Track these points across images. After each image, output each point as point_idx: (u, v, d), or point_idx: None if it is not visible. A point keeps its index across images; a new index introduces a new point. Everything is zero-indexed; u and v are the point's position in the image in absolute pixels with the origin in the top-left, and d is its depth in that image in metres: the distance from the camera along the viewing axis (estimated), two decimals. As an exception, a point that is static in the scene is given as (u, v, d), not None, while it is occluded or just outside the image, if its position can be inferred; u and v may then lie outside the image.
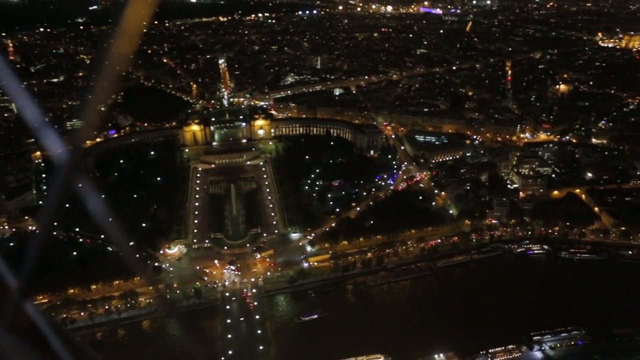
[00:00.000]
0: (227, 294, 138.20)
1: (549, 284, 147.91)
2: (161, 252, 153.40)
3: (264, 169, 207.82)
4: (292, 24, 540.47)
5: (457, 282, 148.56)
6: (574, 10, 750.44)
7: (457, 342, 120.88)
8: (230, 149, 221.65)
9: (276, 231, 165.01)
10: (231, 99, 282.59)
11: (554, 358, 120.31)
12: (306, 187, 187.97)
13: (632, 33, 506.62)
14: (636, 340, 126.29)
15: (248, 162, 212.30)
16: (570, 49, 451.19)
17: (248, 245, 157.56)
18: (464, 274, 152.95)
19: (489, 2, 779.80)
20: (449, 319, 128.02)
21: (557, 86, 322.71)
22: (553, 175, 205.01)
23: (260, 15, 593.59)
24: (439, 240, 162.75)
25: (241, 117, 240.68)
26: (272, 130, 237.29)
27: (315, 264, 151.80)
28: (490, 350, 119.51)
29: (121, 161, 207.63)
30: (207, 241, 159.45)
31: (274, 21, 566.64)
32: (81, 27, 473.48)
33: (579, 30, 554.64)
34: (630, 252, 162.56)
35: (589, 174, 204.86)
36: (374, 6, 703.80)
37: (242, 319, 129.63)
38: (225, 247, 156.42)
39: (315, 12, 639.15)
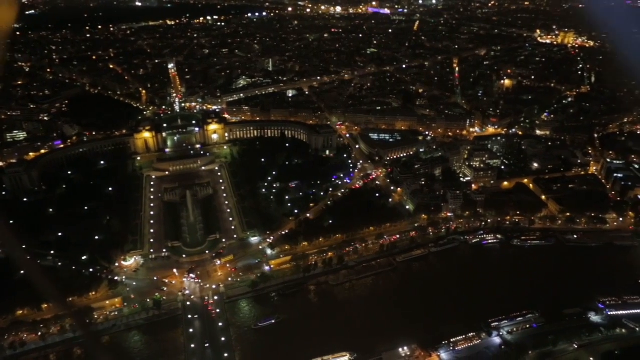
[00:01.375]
0: (189, 303, 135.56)
1: (504, 271, 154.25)
2: (117, 264, 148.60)
3: (219, 173, 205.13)
4: (242, 27, 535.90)
5: (417, 276, 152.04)
6: (514, 9, 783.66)
7: (421, 335, 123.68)
8: (184, 155, 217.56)
9: (235, 236, 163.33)
10: (183, 104, 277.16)
11: (512, 342, 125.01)
12: (263, 190, 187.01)
13: (566, 30, 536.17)
14: (584, 318, 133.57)
15: (203, 168, 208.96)
16: (512, 45, 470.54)
17: (207, 252, 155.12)
18: (423, 267, 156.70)
19: (434, 1, 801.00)
20: (411, 313, 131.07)
21: (502, 81, 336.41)
22: (502, 167, 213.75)
23: (209, 18, 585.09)
24: (398, 236, 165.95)
25: (194, 122, 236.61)
26: (226, 134, 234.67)
27: (277, 266, 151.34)
28: (452, 340, 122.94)
29: (69, 172, 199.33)
30: (164, 250, 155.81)
31: (223, 24, 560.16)
32: (17, 33, 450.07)
33: (519, 28, 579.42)
34: (575, 236, 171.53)
35: (535, 164, 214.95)
36: (323, 7, 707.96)
37: (205, 327, 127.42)
38: (184, 256, 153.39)
39: (264, 14, 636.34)
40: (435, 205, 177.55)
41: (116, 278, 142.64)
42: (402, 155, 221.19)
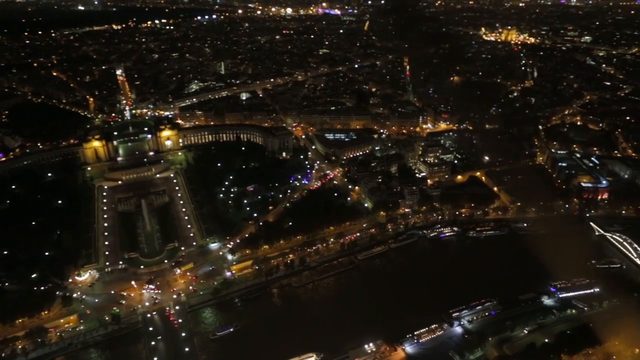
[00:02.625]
0: (149, 315, 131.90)
1: (462, 262, 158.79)
2: (70, 280, 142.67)
3: (175, 180, 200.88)
4: (191, 30, 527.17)
5: (378, 272, 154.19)
6: (459, 8, 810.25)
7: (385, 330, 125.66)
8: (137, 163, 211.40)
9: (194, 243, 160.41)
10: (133, 111, 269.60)
11: (472, 330, 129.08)
12: (221, 195, 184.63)
13: (509, 27, 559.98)
14: (538, 302, 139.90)
15: (158, 175, 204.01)
16: (460, 43, 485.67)
17: (166, 261, 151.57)
18: (385, 264, 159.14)
19: (383, 1, 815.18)
20: (375, 309, 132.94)
21: (451, 78, 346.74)
22: (455, 161, 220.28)
23: (157, 21, 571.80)
24: (358, 234, 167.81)
25: (146, 129, 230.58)
26: (180, 140, 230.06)
27: (238, 271, 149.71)
28: (415, 333, 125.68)
29: (13, 187, 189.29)
30: (121, 262, 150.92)
31: (172, 27, 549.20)
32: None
33: (465, 26, 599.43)
34: (525, 225, 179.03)
35: (486, 157, 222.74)
36: (273, 9, 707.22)
37: (167, 338, 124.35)
38: (142, 266, 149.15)
39: (214, 16, 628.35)
40: (392, 201, 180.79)
41: (71, 294, 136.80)
42: (358, 154, 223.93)
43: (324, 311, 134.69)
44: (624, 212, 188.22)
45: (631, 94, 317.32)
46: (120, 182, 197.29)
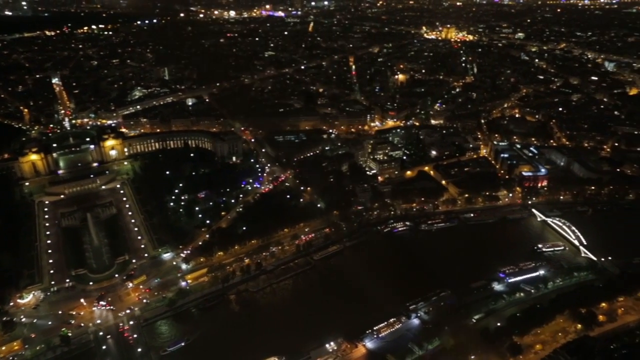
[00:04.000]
0: (101, 333, 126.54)
1: (416, 255, 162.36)
2: (11, 303, 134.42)
3: (122, 191, 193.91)
4: (131, 35, 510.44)
5: (335, 271, 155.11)
6: (400, 8, 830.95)
7: (345, 328, 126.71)
8: (80, 175, 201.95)
9: (146, 255, 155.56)
10: (73, 121, 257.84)
11: (429, 321, 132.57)
12: (171, 204, 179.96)
13: (448, 26, 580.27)
14: (489, 289, 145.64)
15: (103, 187, 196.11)
16: (402, 42, 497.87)
17: (117, 275, 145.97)
18: (341, 262, 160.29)
19: (326, 2, 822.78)
20: (334, 308, 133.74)
21: (396, 76, 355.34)
22: (404, 157, 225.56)
23: (94, 27, 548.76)
24: (312, 235, 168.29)
25: (88, 139, 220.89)
26: (126, 150, 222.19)
27: (194, 280, 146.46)
28: (375, 328, 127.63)
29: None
30: (67, 280, 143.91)
31: (110, 33, 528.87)
32: None
33: (407, 25, 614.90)
34: (472, 215, 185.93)
35: (433, 152, 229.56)
36: (216, 12, 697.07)
37: (122, 355, 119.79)
38: (91, 283, 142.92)
39: (155, 21, 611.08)
40: (345, 200, 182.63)
41: (12, 319, 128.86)
42: (308, 154, 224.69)
43: (283, 314, 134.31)
44: (562, 197, 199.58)
45: (562, 87, 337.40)
46: (62, 196, 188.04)
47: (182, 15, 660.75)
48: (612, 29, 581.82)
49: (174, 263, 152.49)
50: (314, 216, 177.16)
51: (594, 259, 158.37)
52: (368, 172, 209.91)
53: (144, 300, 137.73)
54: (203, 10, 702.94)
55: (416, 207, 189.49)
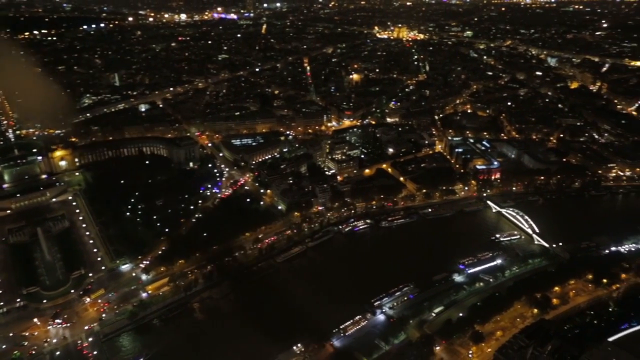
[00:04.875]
0: (58, 353, 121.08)
1: (378, 252, 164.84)
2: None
3: (74, 203, 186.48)
4: (78, 40, 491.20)
5: (299, 272, 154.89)
6: (352, 8, 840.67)
7: (312, 328, 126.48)
8: (28, 188, 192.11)
9: (103, 268, 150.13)
10: (17, 132, 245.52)
11: (394, 316, 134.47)
12: (128, 214, 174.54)
13: (400, 25, 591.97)
14: (450, 280, 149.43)
15: (54, 200, 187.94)
16: (356, 42, 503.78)
17: (72, 291, 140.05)
18: (304, 263, 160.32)
19: (278, 4, 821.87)
20: (299, 309, 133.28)
21: (351, 76, 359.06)
22: (362, 156, 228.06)
23: (36, 32, 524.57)
24: (275, 237, 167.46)
25: (34, 150, 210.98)
26: (76, 160, 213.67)
27: (155, 291, 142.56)
28: (341, 327, 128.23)
29: None
30: (18, 300, 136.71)
31: (54, 38, 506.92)
32: None
33: (359, 25, 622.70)
34: (430, 210, 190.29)
35: (390, 150, 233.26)
36: (166, 15, 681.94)
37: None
38: (45, 301, 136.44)
39: (102, 25, 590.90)
40: (305, 201, 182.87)
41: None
42: (267, 157, 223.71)
43: (248, 319, 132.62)
44: (514, 188, 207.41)
45: (510, 82, 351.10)
46: (9, 211, 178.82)
47: (130, 19, 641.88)
48: (552, 27, 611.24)
49: (134, 274, 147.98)
50: (275, 219, 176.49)
51: (546, 245, 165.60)
52: (327, 172, 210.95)
53: (103, 315, 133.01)
54: (153, 14, 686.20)
55: (376, 204, 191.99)
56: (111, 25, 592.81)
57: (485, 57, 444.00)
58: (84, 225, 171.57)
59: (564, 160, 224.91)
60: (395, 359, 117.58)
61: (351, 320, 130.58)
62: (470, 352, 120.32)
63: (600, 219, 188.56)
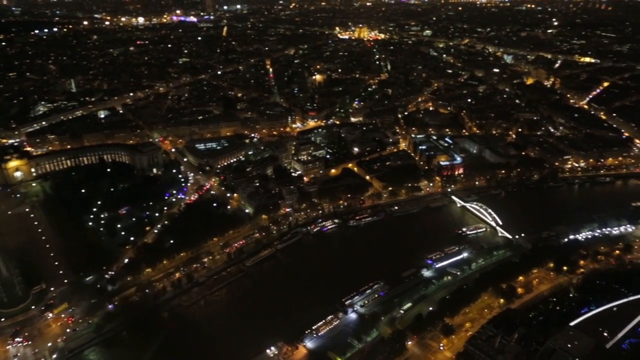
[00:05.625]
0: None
1: (347, 251, 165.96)
2: None
3: (32, 215, 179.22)
4: (29, 46, 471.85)
5: (269, 275, 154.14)
6: (313, 9, 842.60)
7: (284, 331, 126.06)
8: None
9: (65, 281, 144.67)
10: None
11: (366, 314, 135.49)
12: (90, 224, 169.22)
13: (360, 25, 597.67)
14: (419, 276, 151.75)
15: (10, 212, 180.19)
16: (317, 43, 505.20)
17: (33, 307, 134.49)
18: (274, 266, 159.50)
19: (239, 6, 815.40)
20: (271, 312, 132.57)
21: (314, 77, 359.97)
22: (328, 156, 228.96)
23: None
24: (243, 241, 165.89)
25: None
26: (33, 170, 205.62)
27: (122, 302, 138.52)
28: (313, 327, 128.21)
29: None
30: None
31: (4, 44, 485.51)
32: None
33: (320, 26, 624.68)
34: (397, 207, 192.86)
35: (356, 149, 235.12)
36: (123, 19, 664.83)
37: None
38: (3, 319, 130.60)
39: (55, 29, 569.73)
40: (272, 203, 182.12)
41: None
42: (232, 160, 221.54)
43: (219, 325, 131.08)
44: (477, 182, 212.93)
45: (469, 79, 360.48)
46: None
47: (85, 23, 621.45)
48: (507, 25, 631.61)
49: (99, 285, 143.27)
50: (243, 222, 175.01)
51: (509, 237, 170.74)
52: (293, 174, 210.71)
53: (68, 330, 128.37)
54: (109, 18, 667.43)
55: (343, 204, 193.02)
56: (65, 30, 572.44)
57: (444, 55, 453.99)
58: (43, 238, 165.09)
59: (523, 153, 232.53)
60: (369, 356, 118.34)
61: (323, 321, 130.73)
62: (441, 345, 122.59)
63: (558, 209, 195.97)
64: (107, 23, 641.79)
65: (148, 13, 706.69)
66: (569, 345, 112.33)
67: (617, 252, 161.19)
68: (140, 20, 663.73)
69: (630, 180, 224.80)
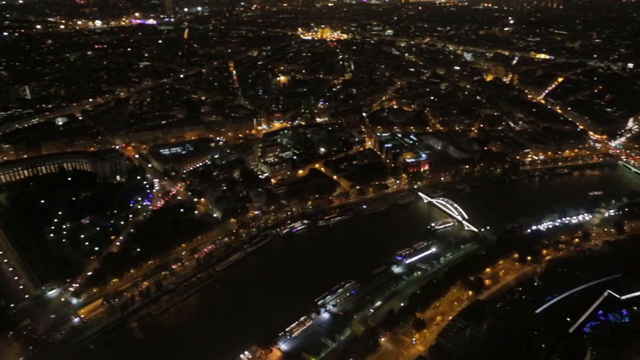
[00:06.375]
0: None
1: (317, 252, 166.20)
2: None
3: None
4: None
5: (240, 279, 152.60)
6: (275, 10, 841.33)
7: (258, 334, 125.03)
8: None
9: (27, 296, 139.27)
10: None
11: (339, 313, 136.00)
12: (51, 235, 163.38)
13: (323, 26, 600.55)
14: (389, 272, 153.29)
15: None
16: (280, 44, 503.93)
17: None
18: (244, 269, 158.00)
19: (199, 8, 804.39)
20: (243, 316, 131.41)
21: (278, 78, 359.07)
22: (294, 157, 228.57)
23: None
24: (212, 246, 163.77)
25: None
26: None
27: (88, 314, 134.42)
28: (287, 329, 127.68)
29: None
30: None
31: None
32: None
33: (283, 27, 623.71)
34: (365, 206, 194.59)
35: (322, 149, 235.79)
36: (79, 22, 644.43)
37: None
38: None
39: (6, 34, 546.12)
40: (241, 207, 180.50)
41: None
42: (198, 165, 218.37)
43: (191, 332, 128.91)
44: (442, 178, 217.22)
45: (431, 77, 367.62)
46: None
47: (39, 27, 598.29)
48: (465, 24, 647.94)
49: (63, 299, 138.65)
50: (211, 227, 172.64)
51: (476, 230, 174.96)
52: (260, 176, 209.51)
53: (30, 347, 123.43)
54: (64, 21, 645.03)
55: (312, 204, 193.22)
56: (17, 34, 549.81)
57: (406, 54, 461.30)
58: (0, 252, 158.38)
59: (486, 148, 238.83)
60: (343, 355, 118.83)
61: (296, 322, 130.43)
62: (414, 339, 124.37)
63: (521, 201, 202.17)
64: (62, 27, 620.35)
65: (105, 16, 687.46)
66: (535, 332, 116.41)
67: (577, 240, 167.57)
68: (98, 23, 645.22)
69: (586, 170, 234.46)
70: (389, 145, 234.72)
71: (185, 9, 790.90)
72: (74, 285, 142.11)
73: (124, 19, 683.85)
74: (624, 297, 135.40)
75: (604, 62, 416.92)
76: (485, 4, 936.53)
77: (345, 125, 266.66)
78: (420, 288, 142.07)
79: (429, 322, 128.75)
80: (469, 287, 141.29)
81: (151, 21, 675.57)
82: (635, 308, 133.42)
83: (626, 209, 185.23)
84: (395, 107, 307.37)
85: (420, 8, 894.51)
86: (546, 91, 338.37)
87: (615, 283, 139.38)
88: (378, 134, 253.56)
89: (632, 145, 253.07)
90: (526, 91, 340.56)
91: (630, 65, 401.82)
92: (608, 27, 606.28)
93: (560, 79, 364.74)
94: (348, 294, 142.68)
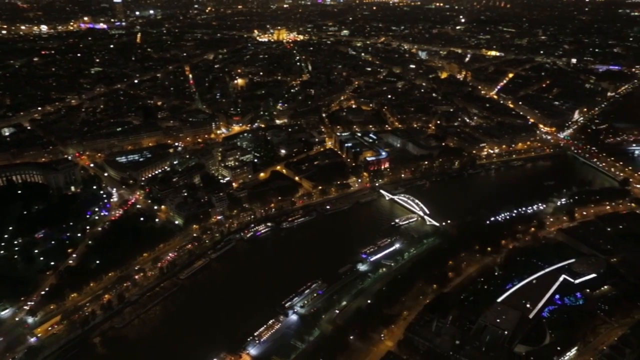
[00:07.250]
0: None
1: (282, 254, 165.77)
2: None
3: None
4: None
5: (205, 286, 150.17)
6: (230, 13, 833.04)
7: (226, 341, 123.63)
8: None
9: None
10: None
11: (307, 314, 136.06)
12: (2, 252, 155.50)
13: (279, 28, 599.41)
14: (355, 271, 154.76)
15: None
16: (237, 46, 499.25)
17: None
18: (209, 276, 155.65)
19: (152, 12, 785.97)
20: (210, 324, 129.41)
21: (236, 81, 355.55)
22: (255, 160, 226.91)
23: None
24: (175, 254, 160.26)
25: None
26: None
27: (46, 333, 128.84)
28: (255, 334, 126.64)
29: None
30: None
31: None
32: None
33: (239, 30, 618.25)
34: (328, 206, 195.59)
35: (283, 151, 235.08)
36: (23, 27, 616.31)
37: None
38: None
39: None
40: (203, 212, 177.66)
41: None
42: (157, 172, 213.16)
43: (157, 344, 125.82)
44: (403, 175, 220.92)
45: (388, 76, 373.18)
46: None
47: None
48: (419, 23, 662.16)
49: (17, 318, 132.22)
50: (173, 234, 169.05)
51: (437, 224, 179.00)
52: (222, 180, 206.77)
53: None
54: (5, 26, 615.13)
55: (275, 207, 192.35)
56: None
57: (363, 54, 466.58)
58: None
59: (443, 144, 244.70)
60: (313, 356, 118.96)
61: (265, 326, 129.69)
62: (382, 335, 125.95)
63: (479, 194, 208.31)
64: (4, 32, 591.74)
65: (52, 20, 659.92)
66: (498, 320, 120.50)
67: (533, 229, 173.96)
68: (44, 28, 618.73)
69: (539, 162, 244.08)
70: (349, 144, 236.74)
71: (137, 13, 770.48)
72: (28, 303, 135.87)
73: (72, 24, 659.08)
74: (577, 281, 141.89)
75: (550, 57, 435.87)
76: (437, 4, 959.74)
77: (305, 126, 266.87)
78: (386, 284, 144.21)
79: (396, 318, 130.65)
80: (433, 280, 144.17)
81: (101, 25, 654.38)
82: (588, 290, 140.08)
83: (576, 197, 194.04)
84: (353, 106, 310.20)
85: (374, 8, 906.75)
86: (498, 87, 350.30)
87: (570, 268, 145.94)
88: (338, 133, 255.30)
89: (578, 136, 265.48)
90: (479, 87, 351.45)
91: (574, 60, 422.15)
92: (552, 25, 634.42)
93: (510, 75, 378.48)
94: (315, 295, 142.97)
